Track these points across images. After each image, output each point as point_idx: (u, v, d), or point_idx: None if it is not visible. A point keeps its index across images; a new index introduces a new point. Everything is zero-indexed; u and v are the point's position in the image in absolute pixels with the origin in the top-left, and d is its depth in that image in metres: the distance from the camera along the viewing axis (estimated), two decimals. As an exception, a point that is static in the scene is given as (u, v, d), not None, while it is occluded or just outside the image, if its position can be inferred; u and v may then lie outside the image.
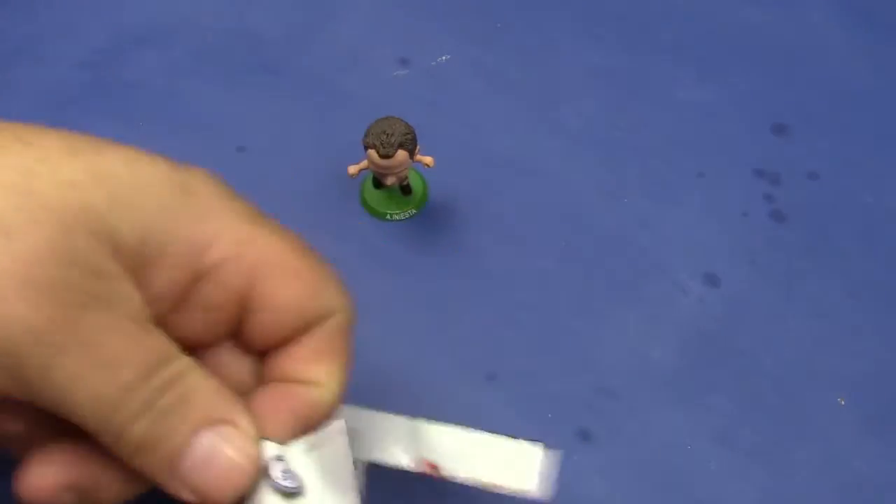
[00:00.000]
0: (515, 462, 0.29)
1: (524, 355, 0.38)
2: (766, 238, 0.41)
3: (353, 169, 0.40)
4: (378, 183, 0.41)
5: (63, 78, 0.45)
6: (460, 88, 0.45)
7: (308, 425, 0.28)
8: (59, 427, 0.26)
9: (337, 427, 0.28)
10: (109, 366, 0.24)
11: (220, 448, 0.26)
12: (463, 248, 0.41)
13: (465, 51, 0.46)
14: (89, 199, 0.25)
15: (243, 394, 0.28)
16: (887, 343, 0.39)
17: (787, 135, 0.44)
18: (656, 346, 0.39)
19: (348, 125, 0.41)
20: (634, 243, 0.41)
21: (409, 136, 0.38)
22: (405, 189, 0.41)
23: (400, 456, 0.29)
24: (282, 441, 0.27)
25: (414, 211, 0.42)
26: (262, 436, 0.27)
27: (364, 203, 0.42)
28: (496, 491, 0.29)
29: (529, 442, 0.29)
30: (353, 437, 0.28)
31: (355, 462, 0.28)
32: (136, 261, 0.26)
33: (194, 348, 0.28)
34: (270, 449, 0.27)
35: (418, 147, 0.38)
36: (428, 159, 0.39)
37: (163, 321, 0.27)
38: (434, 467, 0.29)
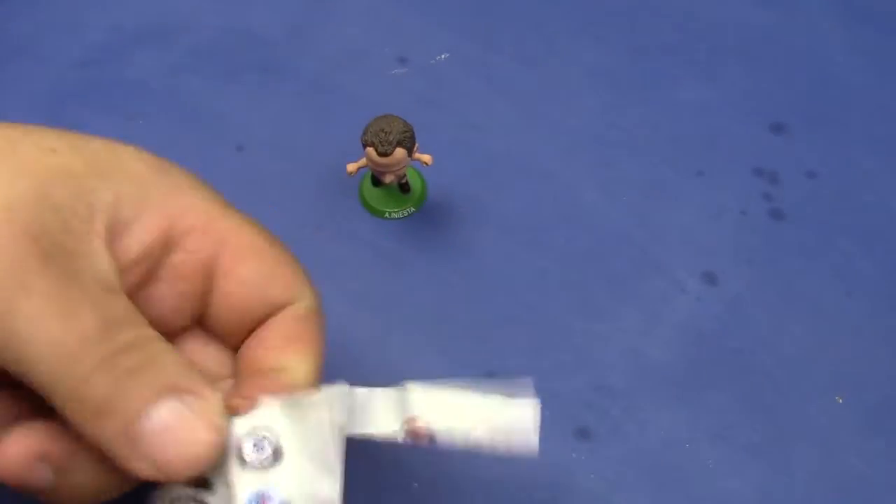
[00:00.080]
0: (508, 417, 0.27)
1: (523, 353, 0.38)
2: (765, 237, 0.41)
3: (351, 167, 0.40)
4: (376, 181, 0.41)
5: (63, 76, 0.45)
6: (459, 87, 0.45)
7: None
8: (34, 411, 0.26)
9: (319, 398, 0.27)
10: (71, 315, 0.24)
11: (183, 416, 0.24)
12: (461, 246, 0.41)
13: (463, 49, 0.46)
14: (68, 163, 0.26)
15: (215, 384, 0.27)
16: (885, 341, 0.39)
17: (785, 134, 0.44)
18: (655, 344, 0.39)
19: (347, 123, 0.41)
20: (633, 242, 0.41)
21: (407, 134, 0.38)
22: (404, 187, 0.41)
23: (390, 424, 0.28)
24: (252, 404, 0.26)
25: (412, 209, 0.42)
26: (231, 413, 0.26)
27: (362, 201, 0.42)
28: (487, 450, 0.28)
29: (521, 398, 0.28)
30: (339, 412, 0.27)
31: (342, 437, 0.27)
32: (110, 224, 0.26)
33: (166, 336, 0.27)
34: (240, 427, 0.25)
35: (417, 145, 0.38)
36: (426, 157, 0.39)
37: (134, 298, 0.27)
38: (423, 433, 0.28)
